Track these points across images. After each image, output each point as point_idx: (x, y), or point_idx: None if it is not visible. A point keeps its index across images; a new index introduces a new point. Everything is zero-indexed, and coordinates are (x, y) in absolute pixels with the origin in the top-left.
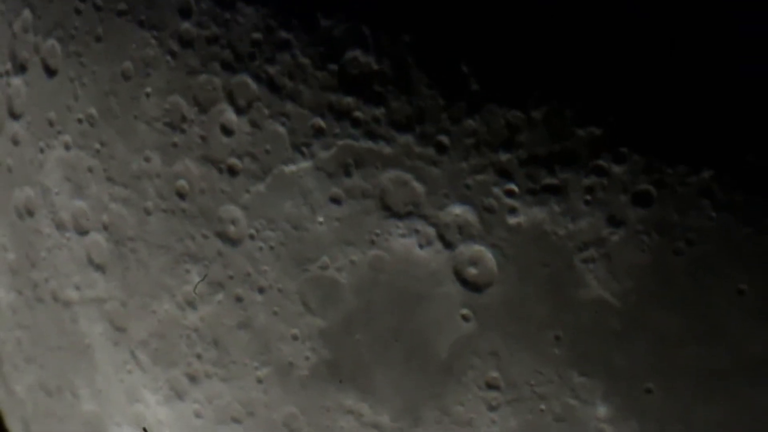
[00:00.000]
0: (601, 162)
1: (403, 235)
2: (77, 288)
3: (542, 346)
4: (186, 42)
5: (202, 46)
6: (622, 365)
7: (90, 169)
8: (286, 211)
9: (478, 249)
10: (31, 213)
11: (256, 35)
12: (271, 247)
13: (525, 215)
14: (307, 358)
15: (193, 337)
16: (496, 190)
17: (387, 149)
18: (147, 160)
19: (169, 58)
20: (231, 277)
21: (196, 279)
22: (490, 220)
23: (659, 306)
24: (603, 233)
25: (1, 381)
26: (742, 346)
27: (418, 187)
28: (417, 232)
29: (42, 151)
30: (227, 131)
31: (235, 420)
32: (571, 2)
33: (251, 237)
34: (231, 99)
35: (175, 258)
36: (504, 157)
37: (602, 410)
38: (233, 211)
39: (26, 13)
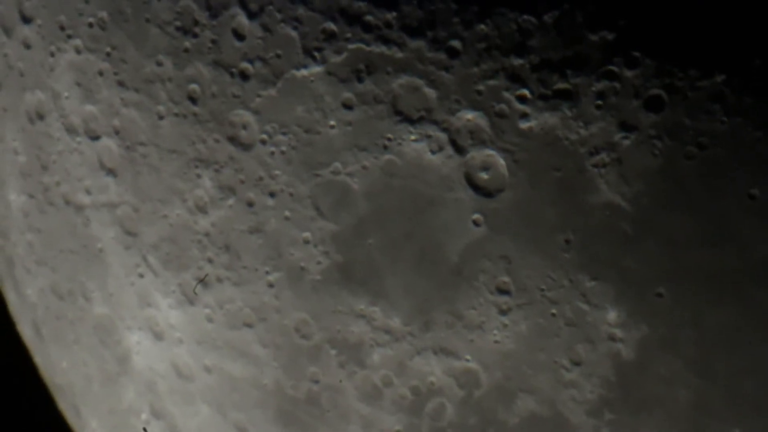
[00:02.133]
0: (612, 67)
1: (414, 140)
2: (88, 192)
3: (553, 250)
4: None
5: None
6: (632, 269)
7: (101, 73)
8: (297, 116)
9: (490, 154)
10: (41, 117)
11: None
12: (283, 152)
13: (536, 120)
14: (318, 263)
15: (205, 241)
16: (507, 95)
17: (399, 54)
18: (159, 64)
19: None
20: (242, 182)
21: (208, 183)
22: (501, 126)
23: (670, 210)
24: (614, 138)
25: (12, 284)
26: (752, 250)
27: (430, 92)
28: (429, 137)
29: (53, 55)
30: (239, 35)
31: (247, 325)
32: None
33: (263, 141)
34: (243, 3)
35: (186, 162)
36: (515, 62)
37: (613, 314)
38: (245, 115)
39: None
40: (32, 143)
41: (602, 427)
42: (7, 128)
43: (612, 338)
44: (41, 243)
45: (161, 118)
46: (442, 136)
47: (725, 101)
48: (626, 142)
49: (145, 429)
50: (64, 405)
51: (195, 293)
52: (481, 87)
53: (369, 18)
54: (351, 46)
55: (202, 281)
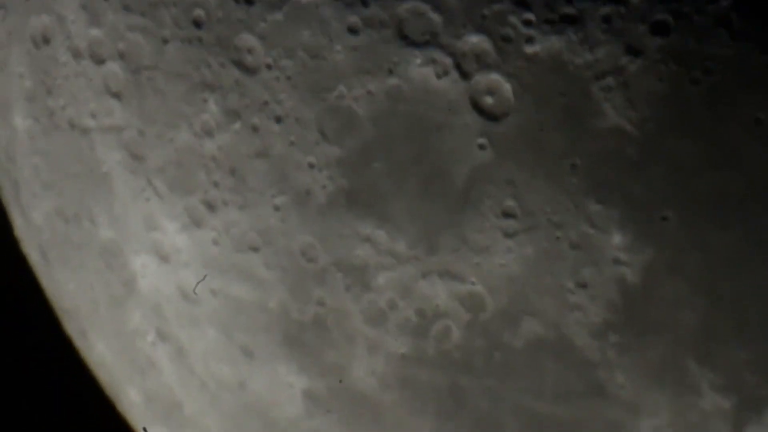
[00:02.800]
0: None
1: (420, 65)
2: (94, 116)
3: (559, 174)
4: None
5: None
6: (638, 193)
7: None
8: (303, 41)
9: (495, 78)
10: (47, 41)
11: None
12: (288, 77)
13: (542, 45)
14: (324, 187)
15: (210, 165)
16: (513, 20)
17: None
18: None
19: None
20: (248, 106)
21: (214, 108)
22: (506, 50)
23: (676, 134)
24: (620, 62)
25: (18, 208)
26: (758, 174)
27: (435, 17)
28: (434, 61)
29: None
30: None
31: (252, 248)
32: None
33: (268, 66)
34: None
35: (192, 87)
36: None
37: (618, 238)
38: (250, 40)
39: None
40: (38, 67)
41: (607, 349)
42: (12, 52)
43: (617, 262)
44: (47, 167)
45: (166, 42)
46: (448, 61)
47: (731, 26)
48: (632, 67)
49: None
50: (70, 328)
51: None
52: (486, 11)
53: None
54: None
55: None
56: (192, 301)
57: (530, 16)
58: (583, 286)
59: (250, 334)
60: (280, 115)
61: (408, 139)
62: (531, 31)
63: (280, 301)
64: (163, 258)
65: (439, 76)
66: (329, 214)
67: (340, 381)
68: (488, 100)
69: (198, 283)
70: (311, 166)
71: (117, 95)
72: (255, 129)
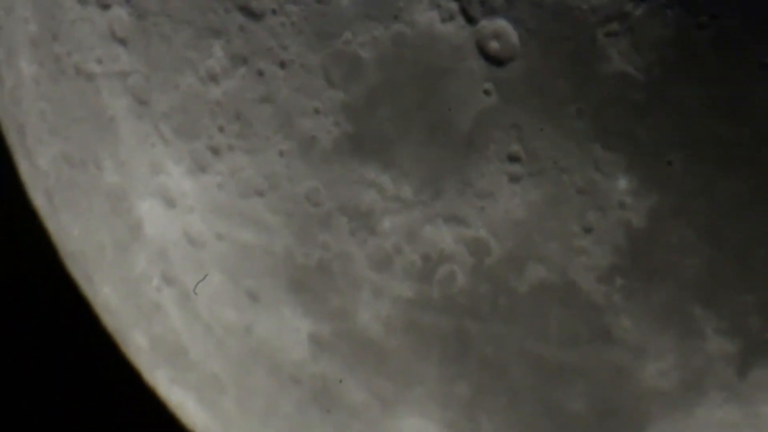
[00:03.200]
0: None
1: (425, 10)
2: (100, 62)
3: (564, 119)
4: None
5: None
6: (644, 138)
7: None
8: None
9: (501, 24)
10: None
11: None
12: (293, 22)
13: None
14: (329, 132)
15: (216, 110)
16: None
17: None
18: None
19: None
20: (253, 52)
21: (219, 53)
22: None
23: (682, 79)
24: (626, 7)
25: (24, 154)
26: (764, 119)
27: None
28: (439, 6)
29: None
30: None
31: (258, 193)
32: None
33: (273, 11)
34: None
35: (197, 32)
36: None
37: (624, 183)
38: None
39: None
40: (43, 12)
41: (613, 293)
42: None
43: (623, 206)
44: (53, 112)
45: None
46: (453, 6)
47: None
48: (638, 12)
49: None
50: (76, 272)
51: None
52: None
53: None
54: None
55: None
56: (197, 246)
57: None
58: (588, 230)
59: (256, 278)
60: (285, 60)
61: (413, 85)
62: None
63: (285, 246)
64: (169, 203)
65: (444, 21)
66: (334, 160)
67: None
68: (494, 45)
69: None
70: (317, 111)
71: (122, 41)
72: (260, 74)
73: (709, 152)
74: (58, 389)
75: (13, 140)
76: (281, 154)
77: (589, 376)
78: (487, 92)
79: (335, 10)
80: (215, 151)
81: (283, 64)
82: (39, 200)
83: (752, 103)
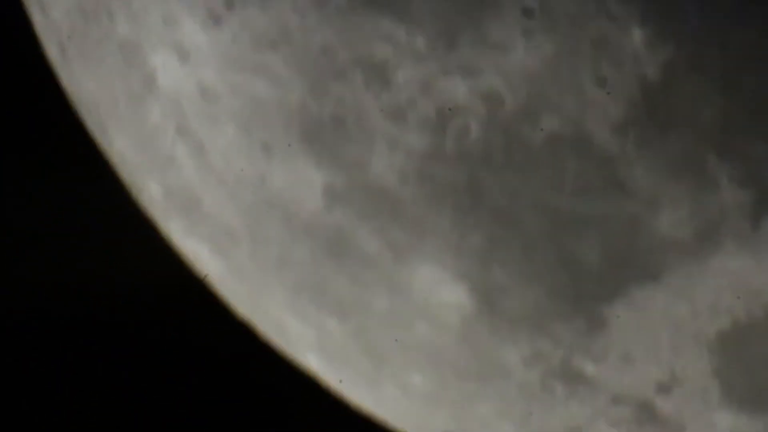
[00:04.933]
0: None
1: None
2: None
3: None
4: None
5: None
6: None
7: None
8: None
9: None
10: None
11: None
12: None
13: None
14: None
15: None
16: None
17: None
18: None
19: None
20: None
21: None
22: None
23: None
24: None
25: (37, 5)
26: None
27: None
28: None
29: None
30: None
31: (272, 46)
32: None
33: None
34: None
35: None
36: None
37: (639, 34)
38: None
39: None
40: None
41: (627, 144)
42: None
43: (637, 58)
44: None
45: None
46: None
47: None
48: None
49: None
50: (90, 124)
51: (205, 277)
52: None
53: None
54: None
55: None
56: (211, 99)
57: None
58: (602, 82)
59: (269, 130)
60: None
61: None
62: None
63: (299, 98)
64: (182, 55)
65: None
66: (349, 12)
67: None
68: None
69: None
70: None
71: None
72: None
73: (723, 2)
74: (71, 239)
75: None
76: (295, 6)
77: (602, 227)
78: None
79: None
80: (229, 4)
81: None
82: (52, 52)
83: None
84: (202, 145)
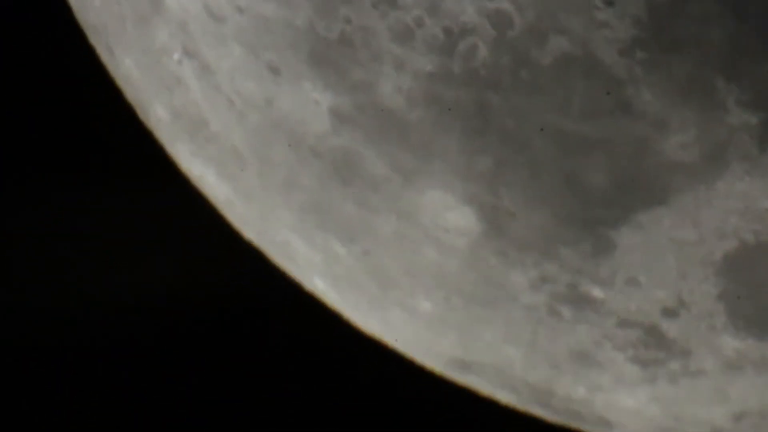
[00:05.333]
0: None
1: None
2: None
3: None
4: None
5: None
6: None
7: None
8: None
9: None
10: None
11: None
12: None
13: None
14: None
15: None
16: None
17: None
18: None
19: None
20: None
21: None
22: None
23: None
24: None
25: None
26: None
27: None
28: None
29: None
30: None
31: None
32: None
33: None
34: None
35: None
36: None
37: None
38: None
39: None
40: None
41: (634, 66)
42: None
43: None
44: None
45: None
46: None
47: None
48: None
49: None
50: (97, 44)
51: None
52: None
53: None
54: None
55: None
56: (218, 20)
57: None
58: (610, 3)
59: (277, 51)
60: None
61: None
62: None
63: (306, 19)
64: None
65: None
66: None
67: None
68: None
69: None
70: None
71: None
72: None
73: None
74: (79, 164)
75: None
76: None
77: (610, 149)
78: None
79: None
80: None
81: None
82: None
83: None
84: (208, 66)
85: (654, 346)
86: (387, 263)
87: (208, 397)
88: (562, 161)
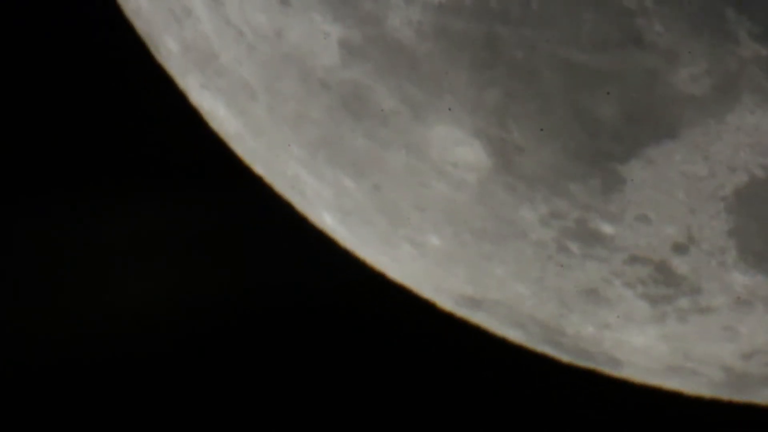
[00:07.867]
0: None
1: None
2: None
3: None
4: None
5: None
6: None
7: None
8: None
9: None
10: None
11: None
12: None
13: None
14: None
15: None
16: None
17: None
18: None
19: None
20: None
21: None
22: None
23: None
24: None
25: None
26: None
27: None
28: None
29: None
30: None
31: None
32: None
33: None
34: None
35: None
36: None
37: None
38: None
39: None
40: None
41: None
42: None
43: None
44: None
45: None
46: None
47: None
48: None
49: None
50: None
51: None
52: None
53: None
54: None
55: None
56: None
57: None
58: None
59: None
60: None
61: None
62: None
63: None
64: None
65: None
66: None
67: None
68: None
69: None
70: None
71: None
72: None
73: None
74: (90, 97)
75: None
76: None
77: (620, 81)
78: None
79: None
80: None
81: None
82: None
83: None
84: None
85: (663, 282)
86: (397, 198)
87: (214, 336)
88: (571, 93)
